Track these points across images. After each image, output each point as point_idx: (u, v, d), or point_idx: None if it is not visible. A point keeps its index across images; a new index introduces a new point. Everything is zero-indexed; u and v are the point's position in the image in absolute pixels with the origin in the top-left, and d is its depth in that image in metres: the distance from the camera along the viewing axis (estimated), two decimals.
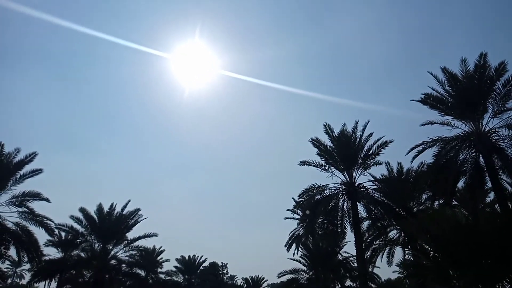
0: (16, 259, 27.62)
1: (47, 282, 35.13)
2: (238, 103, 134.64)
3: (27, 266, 33.39)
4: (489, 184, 21.33)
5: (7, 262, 27.31)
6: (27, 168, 27.02)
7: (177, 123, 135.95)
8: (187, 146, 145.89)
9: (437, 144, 22.29)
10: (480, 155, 21.04)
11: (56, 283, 34.92)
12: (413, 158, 23.21)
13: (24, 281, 71.25)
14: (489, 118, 21.39)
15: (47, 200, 27.30)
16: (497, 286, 15.38)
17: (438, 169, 21.98)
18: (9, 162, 26.78)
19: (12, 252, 27.09)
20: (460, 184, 22.88)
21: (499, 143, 20.84)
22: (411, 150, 23.10)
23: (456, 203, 26.95)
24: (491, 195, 27.51)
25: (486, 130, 21.43)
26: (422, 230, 17.62)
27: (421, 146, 22.77)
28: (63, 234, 34.55)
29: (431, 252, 17.35)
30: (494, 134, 21.11)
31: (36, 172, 27.40)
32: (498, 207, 21.14)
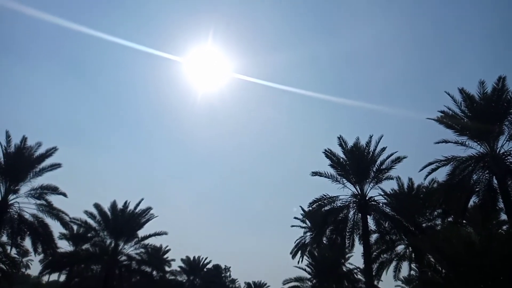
0: (31, 249, 28.40)
1: (57, 275, 35.79)
2: (250, 108, 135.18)
3: (34, 256, 33.80)
4: (501, 205, 21.55)
5: (13, 251, 28.05)
6: (46, 162, 27.92)
7: (188, 127, 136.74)
8: (196, 150, 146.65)
9: (451, 163, 22.57)
10: (494, 177, 21.30)
11: (65, 276, 35.66)
12: (427, 175, 23.63)
13: (29, 271, 72.20)
14: (505, 141, 21.68)
15: (64, 194, 28.07)
16: None
17: (450, 188, 22.27)
18: (30, 155, 27.62)
19: (27, 242, 27.94)
20: (470, 202, 23.16)
21: None
22: (424, 167, 23.42)
23: (465, 221, 27.14)
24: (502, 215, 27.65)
25: (501, 152, 21.70)
26: (433, 247, 17.89)
27: (435, 164, 23.07)
28: (75, 227, 35.22)
29: (442, 270, 17.60)
30: (509, 157, 21.37)
31: (55, 166, 28.26)
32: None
